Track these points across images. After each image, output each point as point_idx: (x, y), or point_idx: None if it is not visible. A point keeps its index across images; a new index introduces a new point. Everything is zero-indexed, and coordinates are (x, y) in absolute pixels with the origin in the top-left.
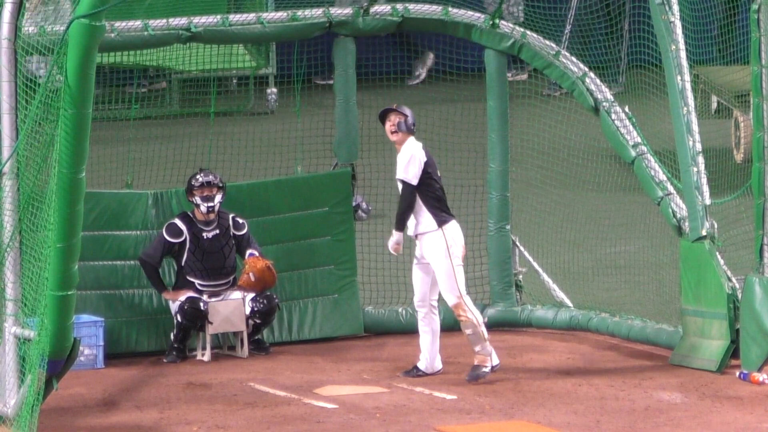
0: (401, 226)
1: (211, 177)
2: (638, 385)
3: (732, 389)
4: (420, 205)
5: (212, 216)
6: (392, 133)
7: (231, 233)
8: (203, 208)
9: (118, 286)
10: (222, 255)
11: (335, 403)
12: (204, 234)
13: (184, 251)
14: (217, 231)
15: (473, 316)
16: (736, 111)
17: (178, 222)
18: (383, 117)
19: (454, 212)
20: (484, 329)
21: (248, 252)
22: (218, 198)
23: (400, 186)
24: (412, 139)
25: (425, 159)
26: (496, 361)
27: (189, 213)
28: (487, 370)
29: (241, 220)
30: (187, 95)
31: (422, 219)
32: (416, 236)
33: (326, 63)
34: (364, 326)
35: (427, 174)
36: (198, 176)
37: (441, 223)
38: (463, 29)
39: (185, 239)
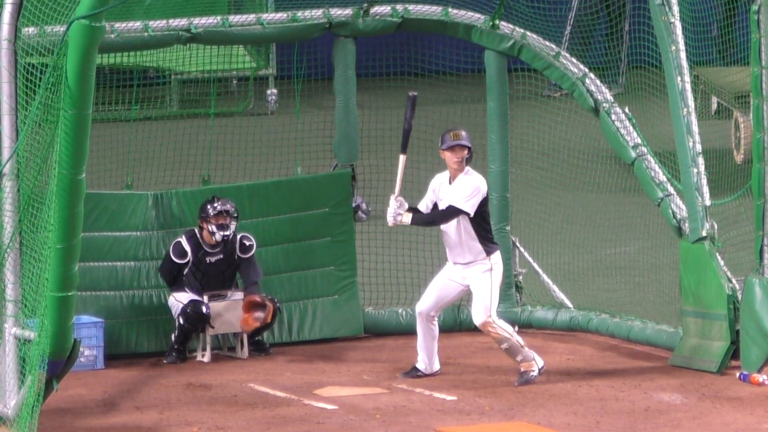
0: (419, 222)
1: (228, 206)
2: (638, 386)
3: (732, 390)
4: (472, 235)
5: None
6: (456, 163)
7: (236, 256)
8: (218, 236)
9: (118, 287)
10: (222, 278)
11: (335, 404)
12: (207, 258)
13: (186, 268)
14: (221, 256)
15: (503, 331)
16: (736, 112)
17: (184, 242)
18: (449, 145)
19: None
20: (518, 338)
21: (246, 291)
22: (233, 227)
23: (442, 203)
24: (471, 170)
25: (484, 196)
26: (541, 363)
27: (197, 232)
28: (534, 373)
29: (248, 243)
30: (187, 96)
31: (473, 249)
32: (457, 264)
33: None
34: (364, 327)
35: (482, 205)
36: (215, 204)
37: (489, 252)
38: (463, 30)
39: (189, 261)
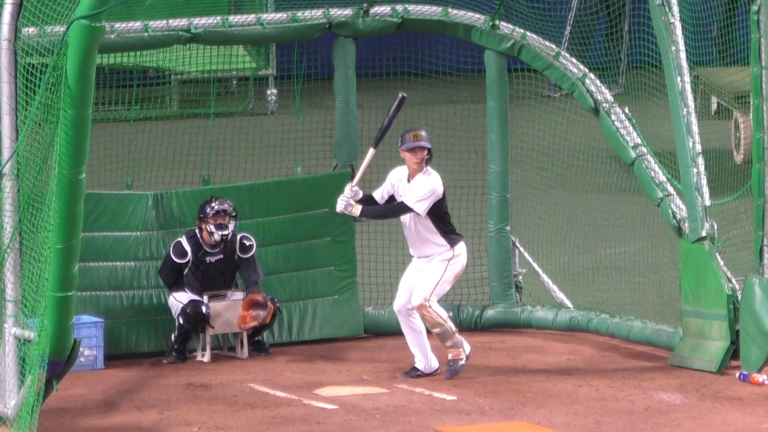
0: (368, 215)
1: (226, 205)
2: (638, 386)
3: (732, 390)
4: (432, 230)
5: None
6: (416, 164)
7: (236, 256)
8: (216, 236)
9: (118, 287)
10: (222, 278)
11: (335, 403)
12: (207, 258)
13: (186, 268)
14: (221, 256)
15: (437, 315)
16: (736, 112)
17: (184, 242)
18: (410, 146)
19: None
20: (451, 324)
21: (247, 291)
22: (231, 227)
23: (400, 199)
24: (429, 169)
25: (440, 197)
26: (468, 348)
27: (197, 232)
28: (462, 362)
29: (248, 243)
30: (187, 96)
31: (434, 243)
32: (420, 258)
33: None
34: (363, 327)
35: (440, 203)
36: (213, 204)
37: (452, 243)
38: (463, 30)
39: (189, 261)
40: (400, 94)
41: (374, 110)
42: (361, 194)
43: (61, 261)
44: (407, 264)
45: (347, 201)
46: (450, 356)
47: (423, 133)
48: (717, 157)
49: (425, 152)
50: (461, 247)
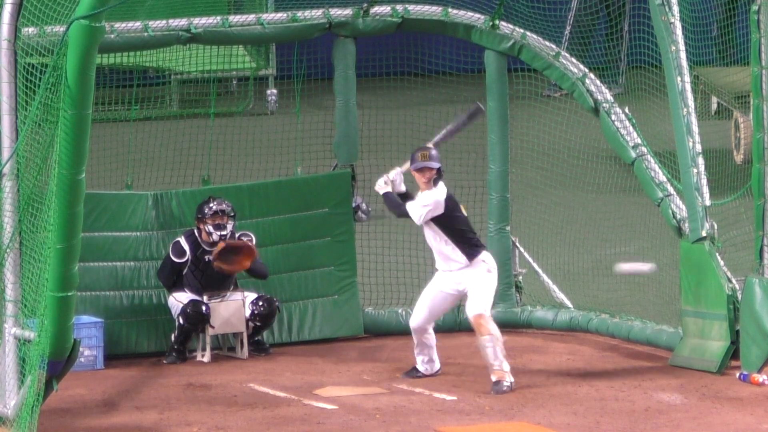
0: (387, 202)
1: (224, 206)
2: (638, 386)
3: (732, 390)
4: (449, 243)
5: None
6: (425, 183)
7: None
8: (215, 236)
9: (118, 287)
10: (221, 277)
11: (335, 404)
12: (206, 257)
13: (185, 268)
14: None
15: (495, 331)
16: (736, 112)
17: (182, 242)
18: (418, 167)
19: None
20: (502, 347)
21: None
22: (230, 227)
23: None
24: (440, 184)
25: (442, 211)
26: (512, 379)
27: (195, 232)
28: (507, 384)
29: (247, 240)
30: (187, 96)
31: (455, 255)
32: (446, 271)
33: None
34: (363, 327)
35: (449, 212)
36: (211, 204)
37: (475, 254)
38: (463, 30)
39: (188, 260)
40: (476, 105)
41: (374, 110)
42: (402, 186)
43: (61, 261)
44: (407, 264)
45: (386, 179)
46: (494, 378)
47: (432, 152)
48: (717, 157)
49: (433, 172)
50: (490, 257)
